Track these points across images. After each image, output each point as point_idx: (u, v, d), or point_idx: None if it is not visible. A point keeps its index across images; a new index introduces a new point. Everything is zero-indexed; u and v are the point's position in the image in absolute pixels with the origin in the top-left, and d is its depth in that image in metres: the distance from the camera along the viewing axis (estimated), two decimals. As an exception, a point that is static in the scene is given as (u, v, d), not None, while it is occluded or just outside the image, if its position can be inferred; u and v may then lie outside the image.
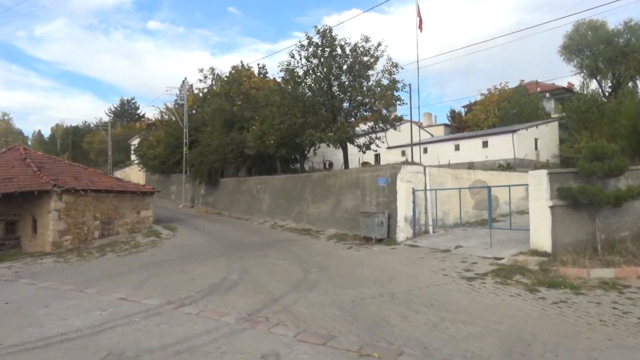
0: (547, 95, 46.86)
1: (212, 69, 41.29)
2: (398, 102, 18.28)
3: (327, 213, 18.43)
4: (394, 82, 17.89)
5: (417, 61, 21.02)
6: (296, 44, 19.31)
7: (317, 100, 18.62)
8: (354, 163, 34.28)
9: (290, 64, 19.34)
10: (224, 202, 28.77)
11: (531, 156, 35.61)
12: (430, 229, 15.18)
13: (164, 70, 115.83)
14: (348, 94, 18.57)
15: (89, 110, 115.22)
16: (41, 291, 10.01)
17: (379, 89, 17.88)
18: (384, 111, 18.80)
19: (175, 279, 10.52)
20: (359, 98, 18.00)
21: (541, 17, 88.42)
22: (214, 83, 40.90)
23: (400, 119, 20.68)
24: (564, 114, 36.95)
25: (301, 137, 19.47)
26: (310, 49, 18.90)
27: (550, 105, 46.13)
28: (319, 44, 18.64)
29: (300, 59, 19.14)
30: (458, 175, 16.88)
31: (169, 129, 35.71)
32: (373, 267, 11.09)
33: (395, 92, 17.91)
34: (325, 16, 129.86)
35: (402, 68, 17.76)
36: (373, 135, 19.70)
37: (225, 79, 41.14)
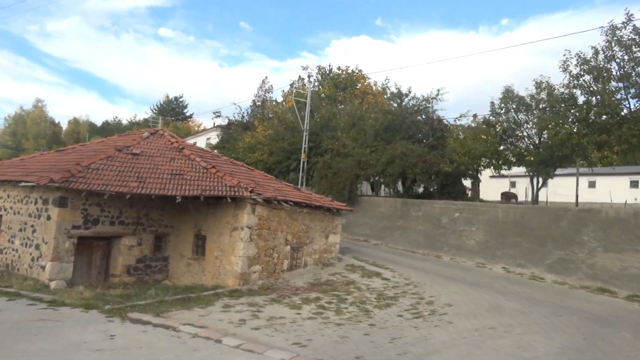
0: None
1: (320, 68, 35.87)
2: None
3: (647, 270, 12.65)
4: None
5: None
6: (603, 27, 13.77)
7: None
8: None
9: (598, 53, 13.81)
10: (371, 227, 22.86)
11: (692, 202, 30.55)
12: None
13: (170, 76, 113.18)
14: None
15: (93, 109, 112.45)
16: None
17: None
18: None
19: None
20: None
21: (544, 61, 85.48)
22: (319, 84, 35.50)
23: None
24: None
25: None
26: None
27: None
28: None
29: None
30: None
31: (280, 131, 29.99)
32: None
33: None
34: (334, 39, 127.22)
35: None
36: None
37: (331, 80, 35.96)
